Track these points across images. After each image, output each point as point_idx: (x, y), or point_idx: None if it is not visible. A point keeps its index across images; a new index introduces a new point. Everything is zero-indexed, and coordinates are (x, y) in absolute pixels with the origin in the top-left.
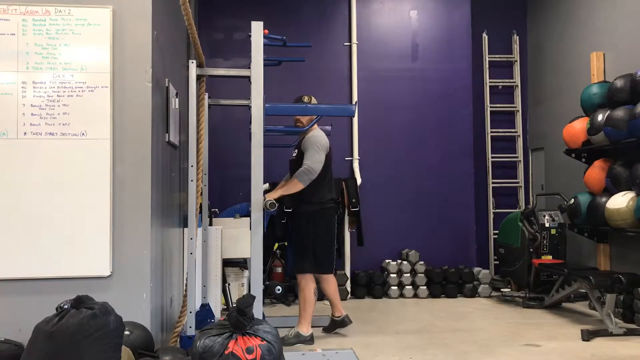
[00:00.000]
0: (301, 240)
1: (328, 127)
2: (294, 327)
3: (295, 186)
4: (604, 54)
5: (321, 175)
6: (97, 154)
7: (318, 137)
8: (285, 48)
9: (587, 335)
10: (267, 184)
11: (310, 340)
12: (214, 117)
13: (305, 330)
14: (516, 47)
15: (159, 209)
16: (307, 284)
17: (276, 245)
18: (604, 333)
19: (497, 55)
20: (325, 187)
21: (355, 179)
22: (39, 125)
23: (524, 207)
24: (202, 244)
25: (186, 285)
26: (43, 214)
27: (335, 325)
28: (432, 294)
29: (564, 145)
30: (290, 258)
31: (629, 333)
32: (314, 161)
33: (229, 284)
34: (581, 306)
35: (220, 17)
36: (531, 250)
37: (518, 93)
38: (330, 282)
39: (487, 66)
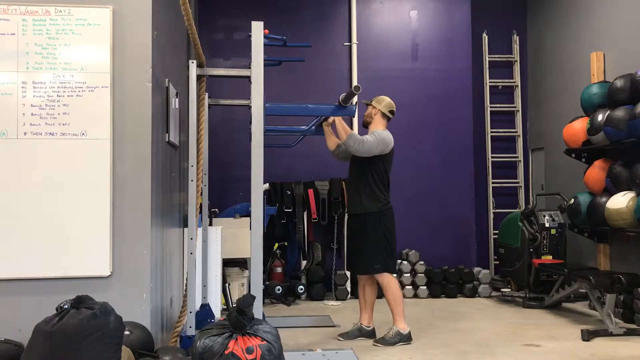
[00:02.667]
0: (374, 238)
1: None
2: (391, 327)
3: (344, 135)
4: (604, 54)
5: (386, 175)
6: (97, 154)
7: (383, 133)
8: (285, 48)
9: (587, 335)
10: (267, 184)
11: (409, 338)
12: (214, 117)
13: (403, 327)
14: (516, 47)
15: (159, 209)
16: (390, 281)
17: (276, 245)
18: (604, 333)
19: (497, 55)
20: (388, 187)
21: None
22: (39, 125)
23: (524, 207)
24: (202, 244)
25: (186, 285)
26: (43, 214)
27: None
28: (432, 294)
29: (564, 145)
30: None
31: (629, 333)
32: (371, 144)
33: (229, 284)
34: (581, 306)
35: (220, 17)
36: (531, 250)
37: (518, 93)
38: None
39: (487, 66)
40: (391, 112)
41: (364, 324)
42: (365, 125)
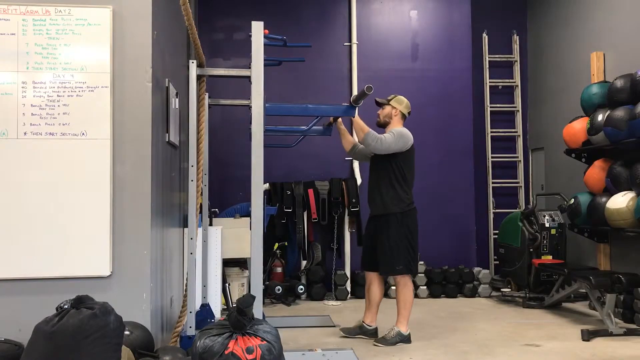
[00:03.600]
0: (396, 239)
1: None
2: (393, 327)
3: (362, 134)
4: (604, 54)
5: (409, 174)
6: (97, 154)
7: (402, 130)
8: (285, 48)
9: (587, 335)
10: (267, 184)
11: (409, 339)
12: (214, 117)
13: (405, 329)
14: (516, 47)
15: (159, 209)
16: (407, 283)
17: (276, 245)
18: (604, 333)
19: (497, 55)
20: (411, 187)
21: (355, 179)
22: (39, 125)
23: (524, 207)
24: (202, 244)
25: (186, 285)
26: (43, 214)
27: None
28: (432, 294)
29: (564, 145)
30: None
31: (629, 333)
32: (390, 141)
33: (229, 284)
34: (581, 306)
35: (220, 17)
36: (531, 250)
37: (518, 93)
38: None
39: (487, 66)
40: (409, 112)
41: (367, 322)
42: (382, 125)
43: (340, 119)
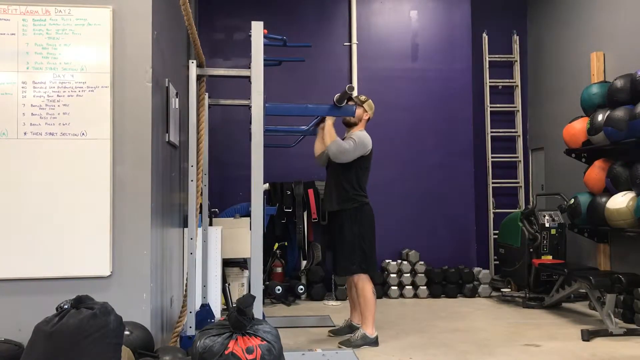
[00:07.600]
0: (348, 239)
1: None
2: (358, 329)
3: (329, 140)
4: (604, 54)
5: (365, 177)
6: (97, 154)
7: (364, 138)
8: (285, 48)
9: (587, 335)
10: (267, 184)
11: (375, 342)
12: (214, 117)
13: (371, 331)
14: (516, 47)
15: (159, 209)
16: (365, 283)
17: (276, 245)
18: (604, 333)
19: (497, 55)
20: (365, 188)
21: None
22: (39, 125)
23: (524, 207)
24: (202, 244)
25: (186, 285)
26: (43, 214)
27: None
28: (432, 294)
29: (564, 145)
30: (329, 259)
31: (629, 333)
32: (350, 152)
33: (229, 284)
34: (581, 306)
35: (220, 17)
36: (531, 250)
37: (518, 93)
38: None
39: (487, 66)
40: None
41: (355, 321)
42: (348, 125)
43: (329, 121)
